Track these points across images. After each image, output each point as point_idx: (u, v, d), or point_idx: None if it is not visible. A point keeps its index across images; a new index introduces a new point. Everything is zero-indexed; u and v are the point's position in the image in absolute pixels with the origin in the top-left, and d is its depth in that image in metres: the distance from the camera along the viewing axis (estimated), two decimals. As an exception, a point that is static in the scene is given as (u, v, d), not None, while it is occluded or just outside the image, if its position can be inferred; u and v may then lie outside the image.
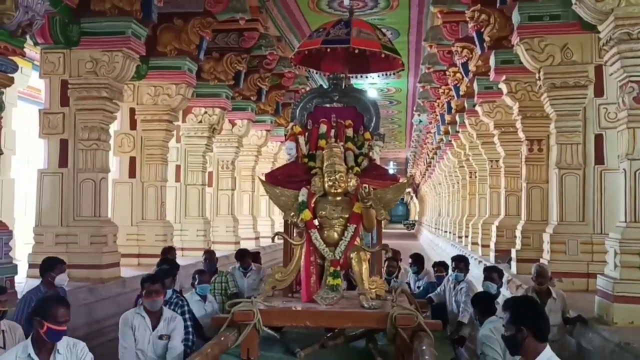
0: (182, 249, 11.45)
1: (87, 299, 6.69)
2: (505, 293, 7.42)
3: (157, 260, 8.92)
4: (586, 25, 7.09)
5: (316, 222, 5.19)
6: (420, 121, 24.48)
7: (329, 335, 5.17)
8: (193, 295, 6.16)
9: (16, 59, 6.53)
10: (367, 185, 5.07)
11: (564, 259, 7.84)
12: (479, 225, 13.63)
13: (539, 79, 8.18)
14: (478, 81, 11.41)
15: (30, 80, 11.54)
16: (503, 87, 9.84)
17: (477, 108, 11.87)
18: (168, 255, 7.57)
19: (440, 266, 7.26)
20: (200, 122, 12.37)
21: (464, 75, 12.09)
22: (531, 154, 9.70)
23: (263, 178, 5.79)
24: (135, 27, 8.43)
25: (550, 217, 8.87)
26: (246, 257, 7.87)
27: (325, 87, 6.35)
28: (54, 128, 8.39)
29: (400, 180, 6.29)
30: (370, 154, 5.72)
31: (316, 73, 7.28)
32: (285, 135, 6.08)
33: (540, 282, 5.84)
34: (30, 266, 8.15)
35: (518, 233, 9.74)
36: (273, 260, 13.50)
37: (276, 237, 5.55)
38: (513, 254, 9.64)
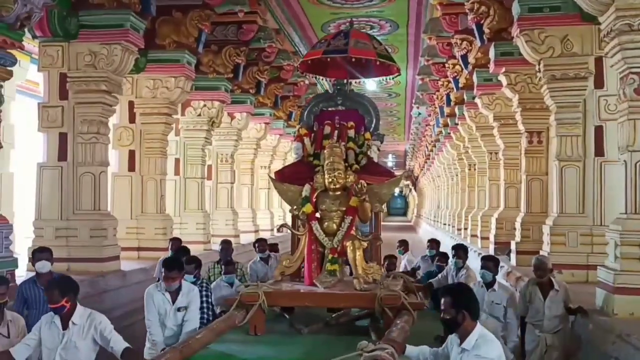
0: (182, 242, 11.45)
1: (87, 292, 6.69)
2: (505, 284, 7.46)
3: (157, 253, 8.94)
4: (586, 17, 7.07)
5: (318, 214, 5.67)
6: (419, 114, 24.45)
7: (334, 315, 5.64)
8: (221, 282, 6.68)
9: (15, 52, 6.50)
10: (361, 182, 5.65)
11: (564, 251, 7.85)
12: (479, 218, 13.65)
13: (539, 71, 8.16)
14: (477, 73, 11.39)
15: (29, 74, 11.50)
16: (503, 79, 9.82)
17: (477, 100, 11.85)
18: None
19: (442, 256, 7.68)
20: (199, 115, 12.34)
21: (464, 68, 12.06)
22: (531, 146, 9.70)
23: (273, 176, 6.39)
24: (133, 19, 8.40)
25: (550, 209, 8.88)
26: (266, 245, 8.38)
27: (330, 91, 6.93)
28: (53, 122, 8.37)
29: (396, 175, 6.83)
30: (369, 152, 6.20)
31: (322, 79, 8.00)
32: (294, 136, 6.57)
33: (540, 274, 5.86)
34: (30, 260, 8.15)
35: (517, 225, 9.76)
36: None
37: (282, 228, 6.43)
38: (512, 246, 9.66)
